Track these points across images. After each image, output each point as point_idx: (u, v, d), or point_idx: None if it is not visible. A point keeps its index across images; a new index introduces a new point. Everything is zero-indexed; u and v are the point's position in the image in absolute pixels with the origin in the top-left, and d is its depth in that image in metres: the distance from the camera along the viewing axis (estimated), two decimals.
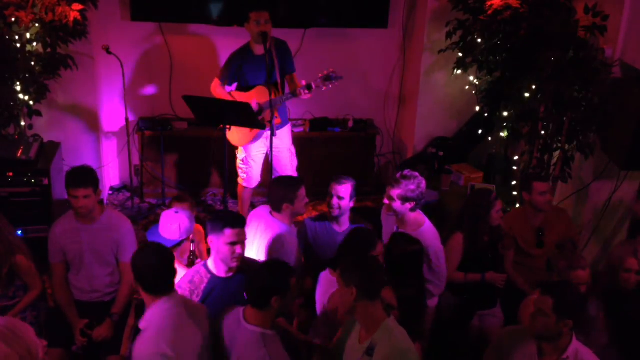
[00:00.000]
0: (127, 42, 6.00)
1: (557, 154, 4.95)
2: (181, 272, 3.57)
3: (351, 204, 4.13)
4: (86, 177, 3.82)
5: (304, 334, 3.61)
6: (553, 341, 3.00)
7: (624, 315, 3.53)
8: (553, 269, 3.59)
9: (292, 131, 5.96)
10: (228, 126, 4.99)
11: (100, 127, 6.03)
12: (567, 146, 4.85)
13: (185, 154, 6.25)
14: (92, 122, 5.92)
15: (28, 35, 4.90)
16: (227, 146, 5.06)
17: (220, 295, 3.31)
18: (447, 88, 6.11)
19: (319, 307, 3.56)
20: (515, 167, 5.52)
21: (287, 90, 5.29)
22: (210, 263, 3.40)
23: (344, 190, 4.05)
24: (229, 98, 5.22)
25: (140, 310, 3.65)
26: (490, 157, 5.88)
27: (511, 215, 4.55)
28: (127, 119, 5.70)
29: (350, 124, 6.41)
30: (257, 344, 2.86)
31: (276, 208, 3.90)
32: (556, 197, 5.16)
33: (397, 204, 3.90)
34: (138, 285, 3.00)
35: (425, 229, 3.95)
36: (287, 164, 5.50)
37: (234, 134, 5.28)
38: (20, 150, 4.85)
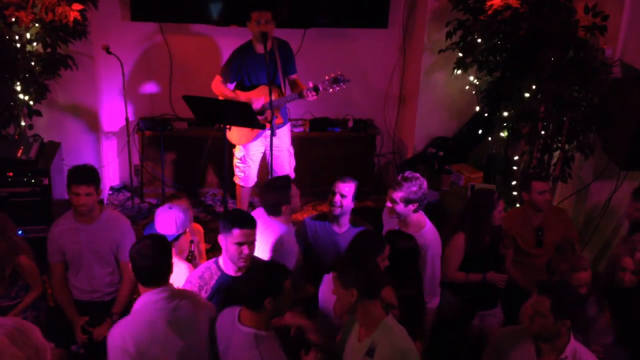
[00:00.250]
0: (127, 42, 6.00)
1: (557, 154, 4.95)
2: (179, 267, 3.61)
3: (352, 205, 4.12)
4: (89, 174, 3.83)
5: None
6: (551, 341, 3.00)
7: (626, 315, 3.53)
8: (553, 271, 3.57)
9: (292, 131, 5.97)
10: (228, 126, 4.99)
11: (100, 127, 6.03)
12: (567, 146, 4.85)
13: (185, 154, 6.25)
14: (92, 122, 5.92)
15: (28, 35, 4.90)
16: (227, 146, 5.06)
17: (228, 294, 3.32)
18: (447, 88, 6.11)
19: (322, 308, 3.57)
20: (515, 167, 5.52)
21: (288, 91, 5.29)
22: (221, 261, 3.41)
23: (348, 189, 4.05)
24: (230, 95, 5.22)
25: None
26: (490, 157, 5.88)
27: (511, 214, 4.55)
28: (127, 119, 5.71)
29: (350, 124, 6.42)
30: (249, 344, 2.86)
31: (274, 212, 3.87)
32: (556, 197, 5.17)
33: (400, 207, 3.90)
34: (134, 274, 3.03)
35: (427, 231, 3.95)
36: (285, 164, 5.50)
37: (234, 133, 5.28)
38: (20, 150, 4.85)
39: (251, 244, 3.29)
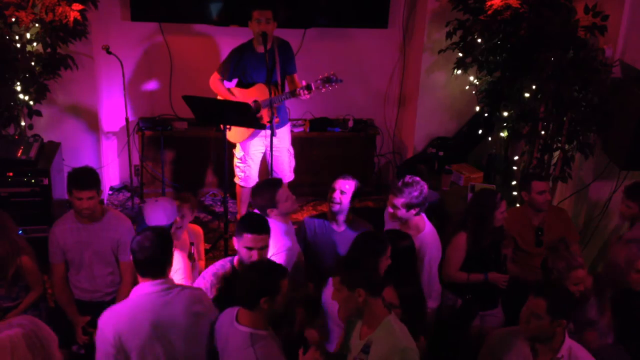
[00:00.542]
0: (127, 42, 6.00)
1: (557, 154, 4.96)
2: (177, 260, 3.61)
3: (349, 205, 4.11)
4: (91, 178, 3.84)
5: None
6: (547, 342, 3.01)
7: (630, 314, 3.53)
8: (549, 270, 3.57)
9: (292, 131, 5.97)
10: (228, 126, 4.99)
11: (100, 127, 6.03)
12: (567, 146, 4.85)
13: (185, 154, 6.25)
14: (92, 122, 5.92)
15: (28, 35, 4.90)
16: (227, 147, 5.06)
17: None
18: (447, 88, 6.12)
19: (327, 316, 3.57)
20: (515, 167, 5.52)
21: (286, 90, 5.30)
22: (236, 260, 3.42)
23: (348, 186, 4.05)
24: (226, 93, 5.23)
25: None
26: (490, 157, 5.88)
27: (510, 214, 4.54)
28: (127, 119, 5.70)
29: (350, 124, 6.41)
30: (244, 343, 2.86)
31: (263, 214, 3.88)
32: (556, 197, 5.17)
33: (402, 212, 3.90)
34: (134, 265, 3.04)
35: (425, 234, 3.95)
36: (285, 164, 5.50)
37: (232, 130, 5.28)
38: (20, 150, 4.85)
39: (262, 249, 3.28)
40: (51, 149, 5.14)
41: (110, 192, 6.35)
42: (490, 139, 5.99)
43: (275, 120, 5.09)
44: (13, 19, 4.74)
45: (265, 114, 5.13)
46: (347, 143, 6.44)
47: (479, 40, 5.29)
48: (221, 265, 3.46)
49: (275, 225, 3.85)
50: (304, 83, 5.11)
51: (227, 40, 5.62)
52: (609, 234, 4.78)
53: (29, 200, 4.81)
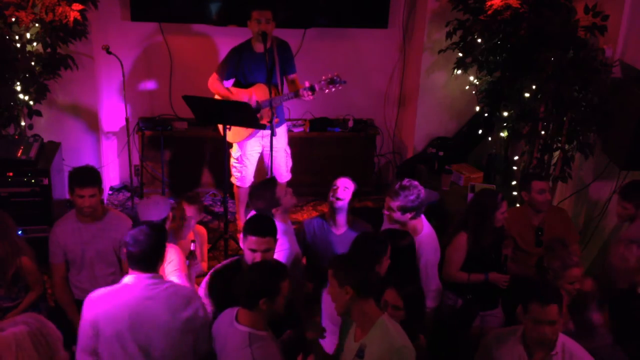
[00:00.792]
0: (127, 42, 6.00)
1: (557, 154, 4.96)
2: (172, 252, 3.66)
3: (348, 204, 4.11)
4: (92, 176, 3.85)
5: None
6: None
7: (629, 315, 3.52)
8: (545, 269, 3.57)
9: (292, 131, 5.97)
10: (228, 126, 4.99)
11: (100, 127, 6.04)
12: (567, 146, 4.85)
13: (185, 154, 6.25)
14: (92, 122, 5.92)
15: (28, 35, 4.90)
16: (227, 147, 5.06)
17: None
18: (447, 88, 6.12)
19: (324, 317, 3.57)
20: (515, 167, 5.52)
21: (286, 90, 5.29)
22: (244, 259, 3.42)
23: (349, 185, 4.06)
24: (226, 93, 5.22)
25: None
26: (490, 157, 5.88)
27: (511, 214, 4.54)
28: (127, 119, 5.71)
29: (350, 124, 6.42)
30: (243, 343, 2.87)
31: (269, 216, 3.89)
32: (556, 197, 5.17)
33: (397, 215, 3.90)
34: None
35: (422, 237, 3.94)
36: (282, 164, 5.50)
37: (230, 130, 5.28)
38: (20, 150, 4.85)
39: (265, 252, 3.27)
40: (51, 149, 5.15)
41: (110, 192, 6.35)
42: (490, 139, 5.99)
43: (275, 120, 5.10)
44: (13, 19, 4.74)
45: (265, 114, 5.13)
46: (347, 143, 6.44)
47: (479, 40, 5.29)
48: (229, 262, 3.49)
49: (276, 225, 3.85)
50: (307, 84, 5.10)
51: (227, 40, 5.62)
52: (609, 234, 4.78)
53: (29, 200, 4.81)
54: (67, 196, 3.94)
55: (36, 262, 3.84)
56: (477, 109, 5.84)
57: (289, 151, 5.57)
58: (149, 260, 2.98)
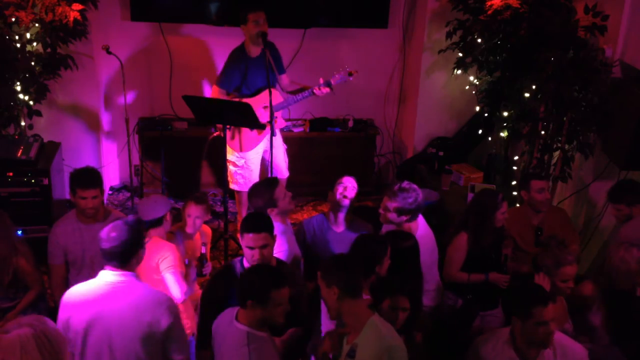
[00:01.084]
0: (127, 42, 6.00)
1: (557, 154, 4.96)
2: (167, 249, 3.67)
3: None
4: (94, 177, 3.85)
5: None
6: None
7: (628, 316, 3.53)
8: (539, 267, 3.56)
9: (292, 131, 5.99)
10: (229, 132, 5.00)
11: (100, 127, 6.03)
12: (567, 146, 4.85)
13: (185, 154, 6.25)
14: (92, 122, 5.92)
15: (28, 35, 4.90)
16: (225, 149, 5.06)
17: None
18: (447, 88, 6.12)
19: (324, 317, 3.57)
20: (515, 167, 5.52)
21: (281, 93, 5.32)
22: (244, 260, 3.42)
23: (355, 183, 4.08)
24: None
25: None
26: (490, 157, 5.88)
27: (510, 214, 4.54)
28: (127, 119, 5.70)
29: (350, 124, 6.42)
30: (241, 341, 2.87)
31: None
32: (556, 197, 5.17)
33: (392, 215, 3.89)
34: None
35: (418, 238, 3.92)
36: (282, 162, 5.52)
37: (236, 141, 5.29)
38: (20, 150, 4.85)
39: (262, 248, 3.27)
40: (51, 149, 5.15)
41: (110, 192, 6.35)
42: (490, 139, 5.99)
43: (281, 123, 5.13)
44: (13, 19, 4.74)
45: (280, 117, 5.16)
46: (347, 143, 6.44)
47: (479, 40, 5.29)
48: (232, 265, 3.47)
49: (274, 225, 3.85)
50: (321, 81, 5.20)
51: (227, 41, 5.62)
52: (609, 234, 4.77)
53: (29, 200, 4.81)
54: (67, 196, 3.94)
55: (33, 262, 3.82)
56: (477, 109, 5.84)
57: (285, 147, 5.59)
58: (120, 256, 2.94)
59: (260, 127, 4.97)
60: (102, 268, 3.87)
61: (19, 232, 4.67)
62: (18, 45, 4.86)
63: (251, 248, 3.26)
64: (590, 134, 4.72)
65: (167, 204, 3.85)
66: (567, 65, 4.56)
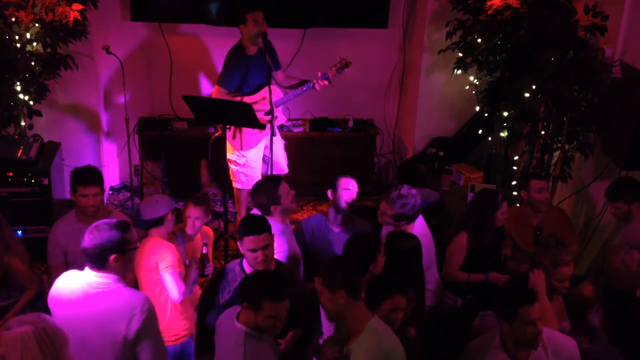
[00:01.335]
0: (127, 42, 6.01)
1: (557, 154, 4.96)
2: (166, 249, 3.66)
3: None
4: (95, 175, 3.86)
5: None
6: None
7: (626, 317, 3.52)
8: (536, 266, 3.56)
9: (292, 131, 5.98)
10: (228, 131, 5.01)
11: (100, 127, 6.04)
12: (567, 146, 4.85)
13: (185, 154, 6.25)
14: (92, 122, 5.92)
15: (28, 35, 4.90)
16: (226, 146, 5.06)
17: None
18: (447, 88, 6.12)
19: (324, 318, 3.57)
20: (515, 167, 5.52)
21: (278, 88, 5.32)
22: (245, 263, 3.41)
23: (353, 184, 4.08)
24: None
25: None
26: (490, 157, 5.88)
27: (510, 214, 4.54)
28: (127, 119, 5.70)
29: (350, 124, 6.42)
30: (238, 340, 2.88)
31: (265, 212, 3.87)
32: (556, 197, 5.17)
33: (389, 220, 3.91)
34: None
35: None
36: (282, 159, 5.53)
37: (237, 140, 5.29)
38: (20, 150, 4.85)
39: (265, 248, 3.27)
40: (51, 149, 5.15)
41: (110, 192, 6.35)
42: (490, 139, 5.99)
43: (276, 118, 5.12)
44: (13, 19, 4.74)
45: (279, 114, 5.17)
46: (347, 143, 6.44)
47: (479, 40, 5.29)
48: (230, 269, 3.45)
49: (273, 225, 3.82)
50: (319, 74, 5.20)
51: (227, 41, 5.61)
52: (609, 234, 4.78)
53: (29, 200, 4.81)
54: (67, 196, 3.93)
55: (28, 262, 3.79)
56: (477, 109, 5.84)
57: (284, 143, 5.60)
58: (93, 258, 2.89)
59: (260, 127, 4.97)
60: None
61: (19, 232, 4.68)
62: (18, 45, 4.86)
63: (254, 250, 3.25)
64: (590, 134, 4.72)
65: (169, 204, 3.84)
66: (567, 65, 4.56)
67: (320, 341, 3.35)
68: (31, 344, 2.22)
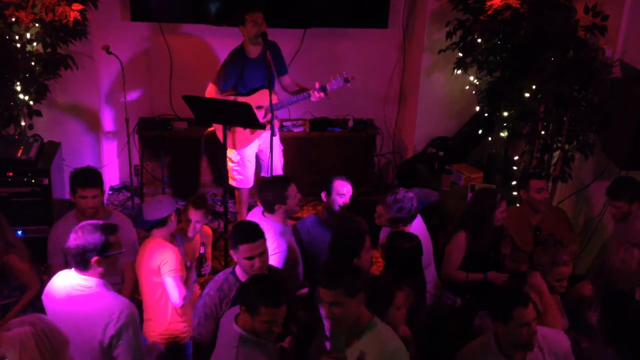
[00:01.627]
0: (127, 42, 6.00)
1: (557, 154, 4.96)
2: (168, 253, 3.65)
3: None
4: (95, 177, 3.86)
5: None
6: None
7: (624, 317, 3.52)
8: (535, 265, 3.57)
9: (292, 131, 5.97)
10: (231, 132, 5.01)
11: (101, 127, 6.04)
12: (567, 146, 4.85)
13: (185, 154, 6.25)
14: (92, 122, 5.92)
15: (28, 35, 4.90)
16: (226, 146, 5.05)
17: None
18: (447, 88, 6.12)
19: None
20: (515, 167, 5.52)
21: (284, 93, 5.31)
22: (238, 271, 3.38)
23: (348, 187, 4.09)
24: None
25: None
26: (490, 157, 5.88)
27: (509, 214, 4.54)
28: (127, 119, 5.70)
29: (350, 124, 6.42)
30: (233, 342, 2.88)
31: (269, 210, 3.87)
32: (556, 197, 5.17)
33: (386, 223, 3.92)
34: None
35: None
36: (278, 163, 5.53)
37: (229, 138, 5.28)
38: (20, 150, 4.85)
39: (261, 255, 3.25)
40: (51, 149, 5.15)
41: (110, 192, 6.35)
42: (490, 139, 5.99)
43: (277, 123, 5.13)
44: (13, 19, 4.74)
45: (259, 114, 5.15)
46: (347, 143, 6.44)
47: (479, 40, 5.29)
48: (224, 279, 3.39)
49: (272, 225, 3.84)
50: (317, 85, 5.16)
51: (227, 41, 5.62)
52: (608, 234, 4.77)
53: (29, 200, 4.81)
54: (67, 196, 3.93)
55: (29, 262, 3.80)
56: (477, 109, 5.84)
57: (282, 148, 5.60)
58: (74, 259, 2.89)
59: (261, 127, 4.96)
60: None
61: (19, 232, 4.68)
62: (18, 45, 4.87)
63: (250, 258, 3.23)
64: (590, 134, 4.72)
65: (172, 205, 3.82)
66: (567, 65, 4.56)
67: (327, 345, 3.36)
68: (30, 345, 2.22)
